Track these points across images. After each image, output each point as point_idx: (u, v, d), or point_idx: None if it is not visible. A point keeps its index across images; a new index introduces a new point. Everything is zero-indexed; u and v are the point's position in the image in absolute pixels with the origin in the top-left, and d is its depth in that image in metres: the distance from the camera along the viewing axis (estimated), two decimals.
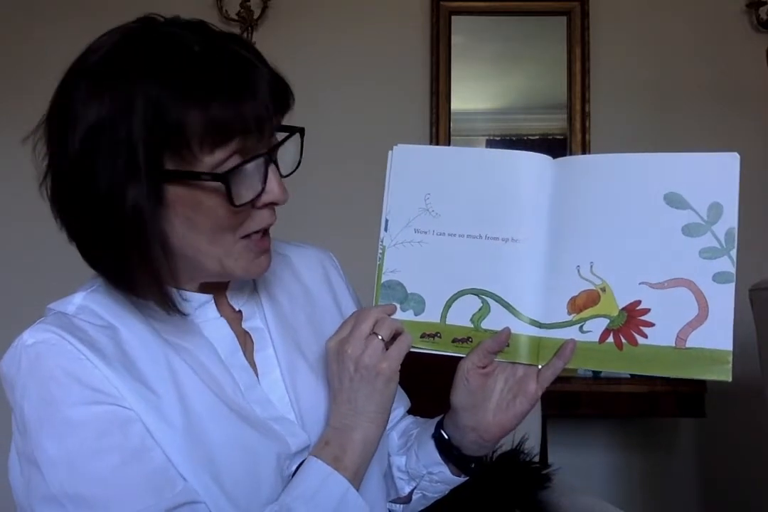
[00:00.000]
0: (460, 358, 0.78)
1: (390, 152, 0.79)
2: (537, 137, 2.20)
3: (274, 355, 0.79)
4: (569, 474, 1.48)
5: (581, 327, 0.73)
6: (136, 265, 0.67)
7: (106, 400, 0.66)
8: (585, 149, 2.15)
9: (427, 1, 2.19)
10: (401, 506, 0.88)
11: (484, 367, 0.77)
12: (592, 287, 0.73)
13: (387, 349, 0.73)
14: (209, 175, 0.65)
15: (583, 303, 0.73)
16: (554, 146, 2.18)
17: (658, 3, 2.20)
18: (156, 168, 0.64)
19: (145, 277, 0.68)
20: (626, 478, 2.21)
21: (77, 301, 0.73)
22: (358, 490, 0.73)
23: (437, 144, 2.14)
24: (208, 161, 0.65)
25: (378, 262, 0.79)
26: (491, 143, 2.20)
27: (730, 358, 0.69)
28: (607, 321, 0.73)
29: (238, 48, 0.67)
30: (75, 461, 0.65)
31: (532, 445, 1.43)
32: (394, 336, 0.74)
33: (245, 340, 0.80)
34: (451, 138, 2.17)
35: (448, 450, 0.82)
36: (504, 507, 1.32)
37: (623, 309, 0.72)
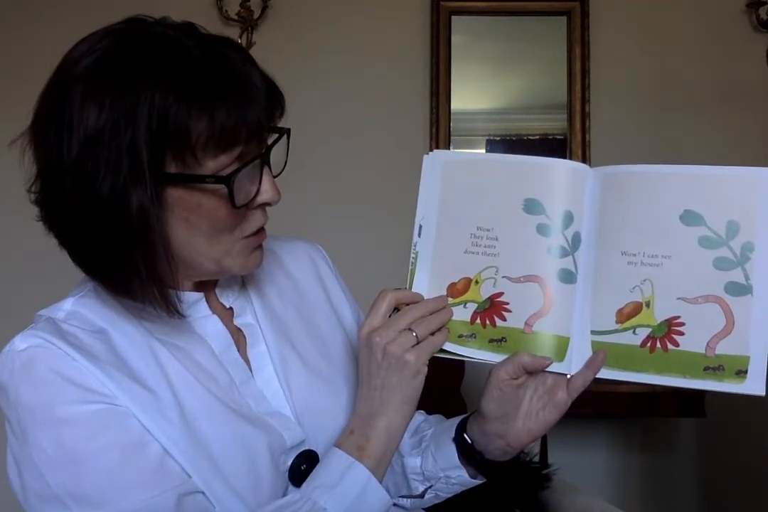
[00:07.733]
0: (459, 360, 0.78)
1: (425, 157, 0.80)
2: (537, 137, 2.20)
3: (267, 351, 0.80)
4: (569, 474, 1.47)
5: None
6: (139, 269, 0.66)
7: (101, 400, 0.66)
8: (585, 149, 2.15)
9: (427, 1, 2.19)
10: (409, 500, 0.88)
11: (516, 378, 0.77)
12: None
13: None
14: (213, 177, 0.65)
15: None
16: (554, 146, 2.18)
17: (658, 3, 2.20)
18: (158, 171, 0.64)
19: (148, 281, 0.67)
20: (626, 478, 2.21)
21: (67, 307, 0.73)
22: (381, 480, 0.72)
23: (437, 144, 2.15)
24: (211, 165, 0.65)
25: (410, 267, 0.79)
26: (491, 143, 2.20)
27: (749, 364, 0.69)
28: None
29: (231, 51, 0.67)
30: (75, 459, 0.65)
31: (532, 445, 1.43)
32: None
33: (238, 337, 0.80)
34: (451, 138, 2.17)
35: (469, 455, 0.82)
36: (504, 507, 1.32)
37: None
